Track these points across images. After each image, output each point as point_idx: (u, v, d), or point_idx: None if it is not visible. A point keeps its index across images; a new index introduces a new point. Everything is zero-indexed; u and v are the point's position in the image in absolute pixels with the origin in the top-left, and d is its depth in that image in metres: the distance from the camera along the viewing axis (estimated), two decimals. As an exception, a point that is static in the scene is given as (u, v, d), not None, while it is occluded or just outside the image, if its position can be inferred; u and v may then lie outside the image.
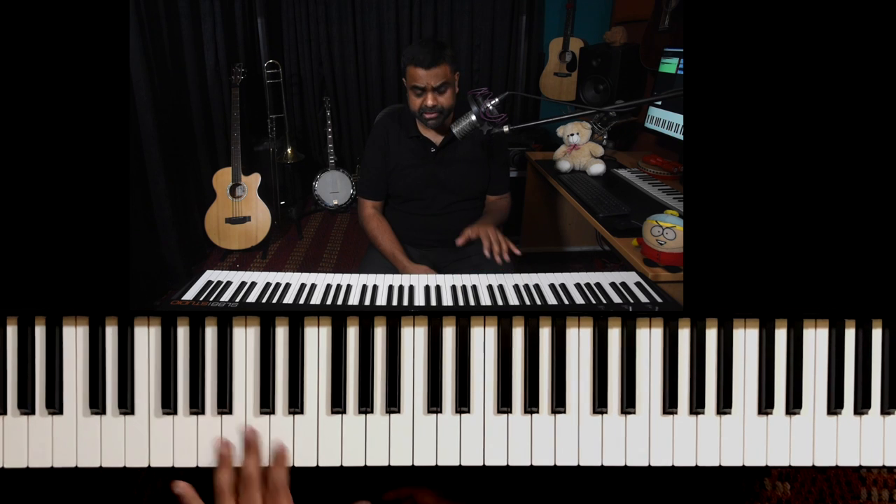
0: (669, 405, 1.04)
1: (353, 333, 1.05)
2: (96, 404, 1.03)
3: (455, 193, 1.70)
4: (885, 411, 1.05)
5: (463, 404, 1.03)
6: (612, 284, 1.22)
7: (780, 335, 1.05)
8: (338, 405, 1.03)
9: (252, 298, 1.15)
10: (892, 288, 1.02)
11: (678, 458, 1.04)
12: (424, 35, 2.63)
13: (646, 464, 1.04)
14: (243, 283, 1.21)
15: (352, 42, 2.66)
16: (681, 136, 1.94)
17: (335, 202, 2.64)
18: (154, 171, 2.05)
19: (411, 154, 1.69)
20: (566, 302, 1.17)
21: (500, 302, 1.19)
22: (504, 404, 1.03)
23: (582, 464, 1.04)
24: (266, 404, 1.03)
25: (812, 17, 1.02)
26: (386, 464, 1.03)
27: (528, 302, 1.19)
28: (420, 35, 2.63)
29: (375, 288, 1.22)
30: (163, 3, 2.11)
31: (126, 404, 1.03)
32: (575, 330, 1.06)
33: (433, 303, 1.17)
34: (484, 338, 1.05)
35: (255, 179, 2.25)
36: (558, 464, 1.04)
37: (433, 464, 1.03)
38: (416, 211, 1.72)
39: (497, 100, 1.34)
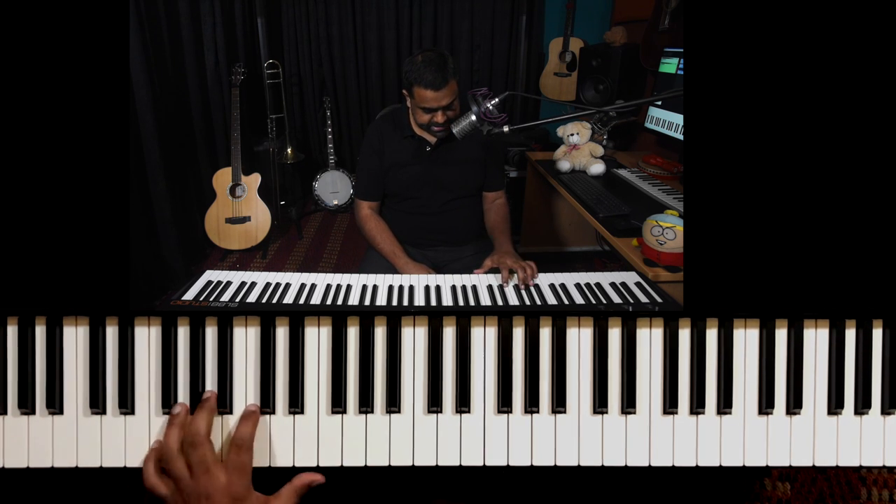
0: (669, 405, 1.04)
1: (353, 333, 1.05)
2: (96, 404, 1.03)
3: (451, 191, 1.70)
4: (885, 411, 1.05)
5: (463, 404, 1.03)
6: (612, 284, 1.23)
7: (781, 335, 1.05)
8: (338, 405, 1.03)
9: (252, 298, 1.15)
10: (892, 288, 1.02)
11: (678, 459, 1.04)
12: (424, 36, 2.63)
13: (646, 464, 1.04)
14: (243, 283, 1.21)
15: (352, 42, 2.66)
16: (681, 136, 1.94)
17: (335, 202, 2.64)
18: (154, 171, 2.05)
19: (407, 153, 1.69)
20: (566, 302, 1.17)
21: (500, 302, 1.20)
22: (504, 404, 1.03)
23: (582, 464, 1.04)
24: (266, 404, 1.03)
25: (812, 17, 1.02)
26: (386, 464, 1.03)
27: (528, 302, 1.19)
28: (420, 36, 2.63)
29: (375, 288, 1.23)
30: (163, 4, 2.11)
31: (126, 404, 1.03)
32: (575, 330, 1.06)
33: (433, 303, 1.18)
34: (484, 338, 1.05)
35: (255, 179, 2.25)
36: (558, 464, 1.04)
37: (433, 464, 1.03)
38: (413, 210, 1.72)
39: (497, 100, 1.34)
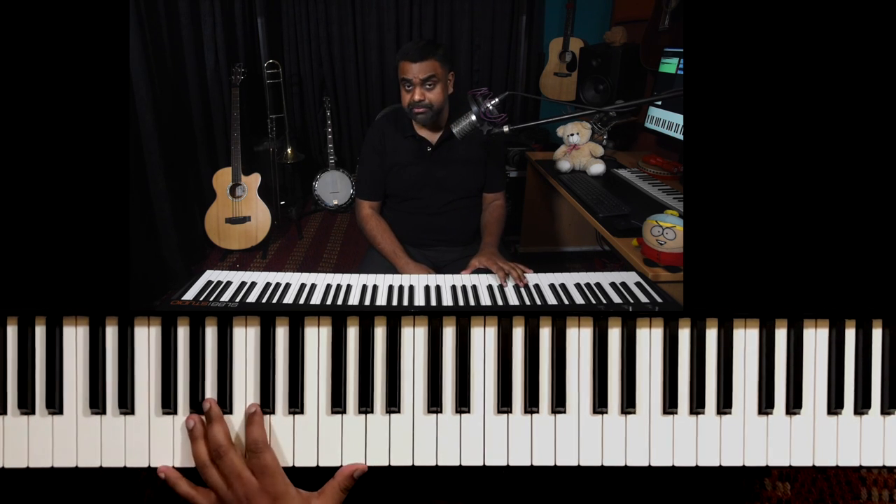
0: (669, 405, 1.04)
1: (353, 333, 1.05)
2: (96, 404, 1.03)
3: (452, 192, 1.71)
4: (885, 411, 1.05)
5: (463, 404, 1.03)
6: (612, 284, 1.23)
7: (780, 335, 1.05)
8: (338, 405, 1.03)
9: (252, 298, 1.15)
10: (892, 288, 1.02)
11: (678, 459, 1.04)
12: (424, 36, 2.63)
13: (646, 464, 1.04)
14: (243, 283, 1.21)
15: (352, 42, 2.66)
16: (681, 136, 1.94)
17: (335, 202, 2.63)
18: (154, 171, 2.04)
19: (408, 153, 1.69)
20: (566, 302, 1.17)
21: (500, 302, 1.20)
22: (504, 404, 1.03)
23: (582, 464, 1.04)
24: (266, 404, 1.03)
25: (812, 17, 1.02)
26: (386, 464, 1.03)
27: (528, 302, 1.19)
28: (420, 36, 2.63)
29: (375, 288, 1.23)
30: (163, 3, 2.11)
31: (126, 404, 1.03)
32: (575, 330, 1.06)
33: (433, 303, 1.17)
34: (484, 338, 1.05)
35: (255, 179, 2.24)
36: (558, 464, 1.04)
37: (433, 464, 1.03)
38: (414, 210, 1.72)
39: (497, 100, 1.34)
